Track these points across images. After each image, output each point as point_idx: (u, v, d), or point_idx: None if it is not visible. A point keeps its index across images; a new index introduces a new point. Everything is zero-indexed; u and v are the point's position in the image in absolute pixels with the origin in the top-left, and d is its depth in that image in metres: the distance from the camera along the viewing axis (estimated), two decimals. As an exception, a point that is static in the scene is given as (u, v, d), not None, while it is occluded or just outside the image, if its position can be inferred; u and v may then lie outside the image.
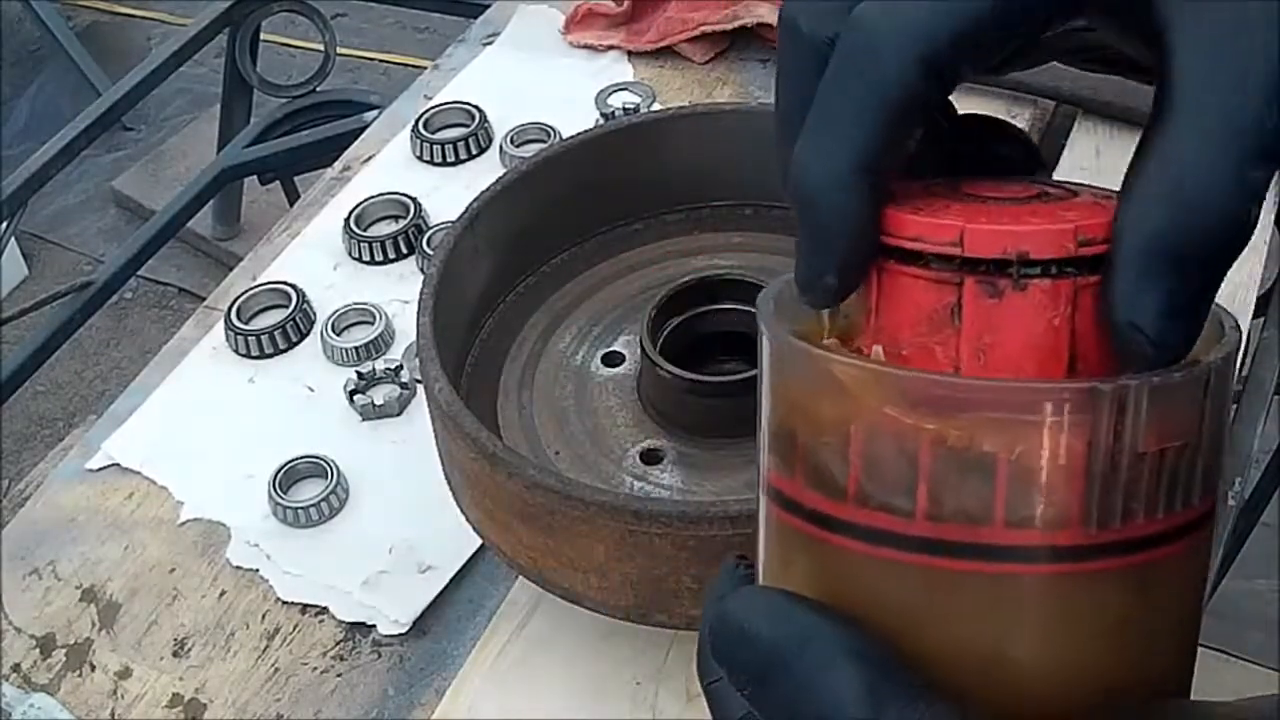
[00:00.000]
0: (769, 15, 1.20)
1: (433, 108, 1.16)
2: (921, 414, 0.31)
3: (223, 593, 0.86)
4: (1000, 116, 0.41)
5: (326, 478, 0.89)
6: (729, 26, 1.20)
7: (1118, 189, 0.34)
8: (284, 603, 0.85)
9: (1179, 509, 0.32)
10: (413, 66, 2.76)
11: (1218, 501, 0.33)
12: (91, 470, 0.93)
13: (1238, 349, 0.34)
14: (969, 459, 0.30)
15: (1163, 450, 0.31)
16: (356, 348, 0.97)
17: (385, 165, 1.14)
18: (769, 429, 0.35)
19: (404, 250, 1.05)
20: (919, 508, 0.31)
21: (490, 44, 1.26)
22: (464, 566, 0.85)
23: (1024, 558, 0.31)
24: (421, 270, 1.03)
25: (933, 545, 0.31)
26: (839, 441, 0.32)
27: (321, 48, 1.73)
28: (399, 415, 0.94)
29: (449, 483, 0.75)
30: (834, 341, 0.34)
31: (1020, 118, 1.09)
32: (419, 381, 0.88)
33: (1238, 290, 0.96)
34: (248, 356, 0.99)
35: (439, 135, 1.14)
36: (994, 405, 0.30)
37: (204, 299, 1.06)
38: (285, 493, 0.89)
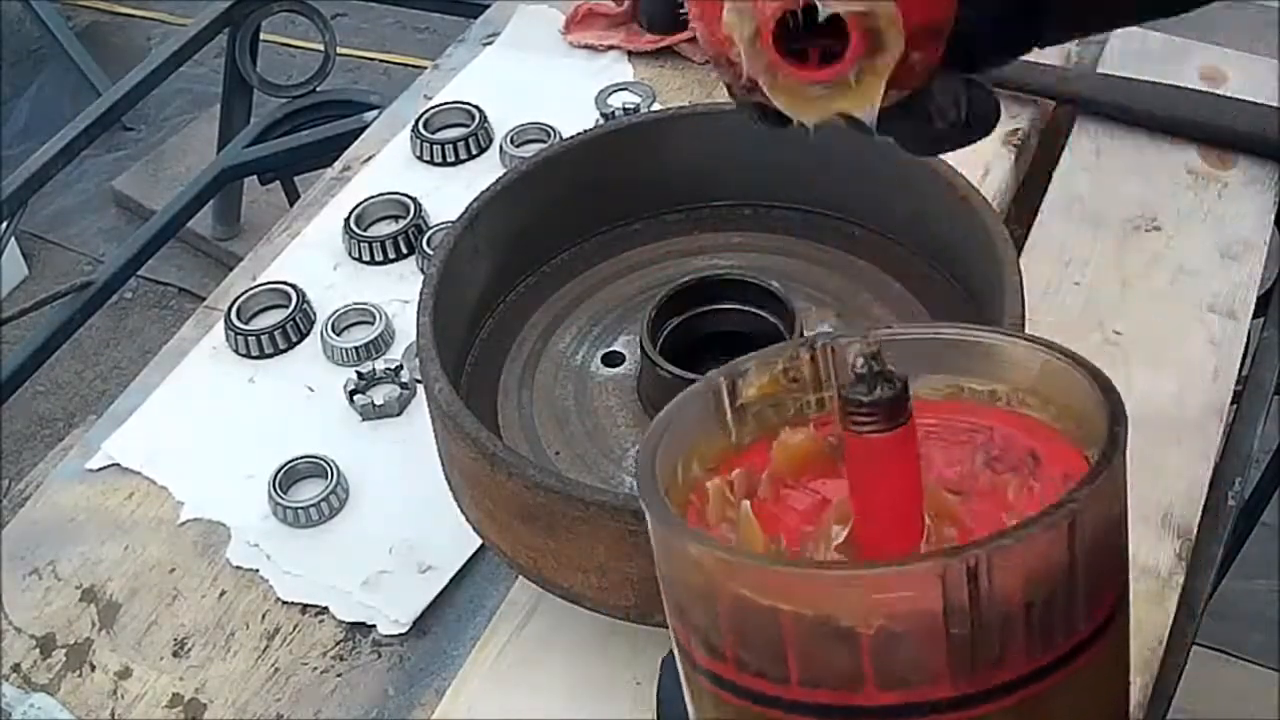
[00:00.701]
0: (769, 15, 1.19)
1: (433, 108, 1.16)
2: (777, 596, 0.32)
3: (223, 593, 0.86)
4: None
5: (326, 478, 0.89)
6: (729, 26, 1.20)
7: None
8: (284, 603, 0.85)
9: (1060, 641, 0.33)
10: (413, 66, 2.76)
11: (1120, 597, 0.35)
12: (91, 470, 0.93)
13: (1119, 450, 0.36)
14: (830, 633, 0.32)
15: (1028, 602, 0.32)
16: (356, 348, 0.97)
17: (385, 165, 1.14)
18: (662, 581, 0.37)
19: (404, 250, 1.05)
20: (791, 675, 0.33)
21: (490, 44, 1.26)
22: (464, 566, 0.85)
23: (901, 714, 0.32)
24: (421, 270, 1.03)
25: (810, 708, 0.33)
26: (710, 613, 0.34)
27: (321, 48, 1.73)
28: (399, 415, 0.94)
29: (449, 483, 0.75)
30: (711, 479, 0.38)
31: (1020, 117, 1.09)
32: (419, 381, 0.88)
33: (1238, 290, 0.96)
34: (248, 356, 0.99)
35: (439, 135, 1.14)
36: (845, 586, 0.32)
37: (204, 299, 1.06)
38: (285, 493, 0.89)
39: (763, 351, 0.40)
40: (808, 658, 0.32)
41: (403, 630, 0.82)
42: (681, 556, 0.35)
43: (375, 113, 1.36)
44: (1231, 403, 0.91)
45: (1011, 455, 0.37)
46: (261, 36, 1.86)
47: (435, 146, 1.13)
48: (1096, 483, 0.34)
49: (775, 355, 0.39)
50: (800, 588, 0.32)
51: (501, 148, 1.13)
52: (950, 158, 0.81)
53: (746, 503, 0.36)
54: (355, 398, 0.94)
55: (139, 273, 1.86)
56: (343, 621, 0.83)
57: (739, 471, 0.39)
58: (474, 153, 1.14)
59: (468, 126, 1.14)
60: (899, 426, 0.35)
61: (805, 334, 0.37)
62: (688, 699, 0.38)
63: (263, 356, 0.99)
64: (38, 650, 0.84)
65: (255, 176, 1.92)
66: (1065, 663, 0.33)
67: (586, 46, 1.23)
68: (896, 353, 0.38)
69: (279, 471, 0.89)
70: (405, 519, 0.87)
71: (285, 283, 1.02)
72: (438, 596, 0.84)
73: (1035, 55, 1.23)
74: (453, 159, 1.13)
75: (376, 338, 0.98)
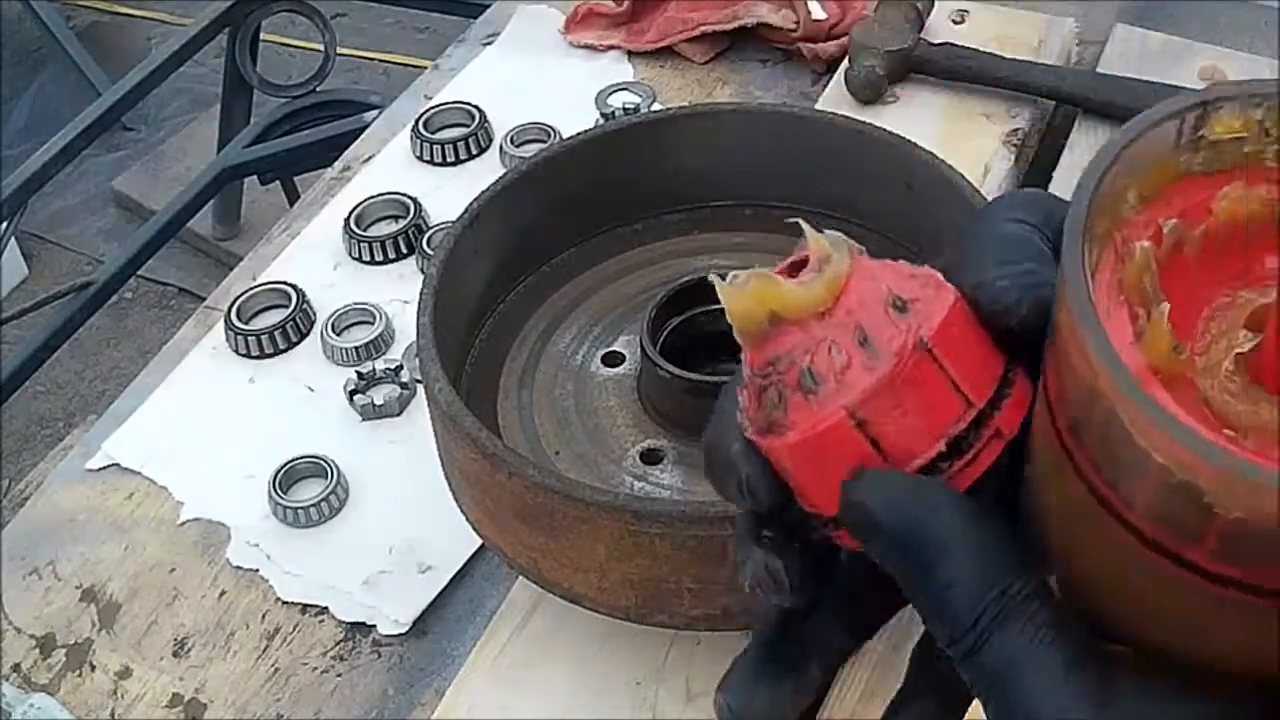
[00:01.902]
0: (769, 15, 1.20)
1: (433, 108, 1.16)
2: (1144, 437, 0.31)
3: (223, 593, 0.86)
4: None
5: (326, 478, 0.89)
6: (729, 26, 1.20)
7: None
8: (284, 603, 0.85)
9: None
10: (413, 66, 2.76)
11: None
12: (91, 470, 0.93)
13: None
14: (1185, 495, 0.30)
15: None
16: (356, 348, 0.97)
17: (385, 165, 1.14)
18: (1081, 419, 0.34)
19: (404, 250, 1.05)
20: (1136, 501, 0.32)
21: (490, 44, 1.26)
22: (464, 566, 0.85)
23: (1229, 585, 0.31)
24: (421, 270, 1.03)
25: (1146, 539, 0.32)
26: (1078, 392, 0.32)
27: (321, 48, 1.74)
28: (399, 415, 0.94)
29: (449, 483, 0.75)
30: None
31: (1020, 117, 1.09)
32: (419, 381, 0.88)
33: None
34: (248, 356, 0.99)
35: (439, 135, 1.14)
36: (1209, 472, 0.30)
37: (204, 299, 1.06)
38: (285, 493, 0.89)
39: (1237, 89, 0.35)
40: (1160, 502, 0.31)
41: (403, 630, 0.82)
42: (1077, 350, 0.32)
43: (375, 113, 1.36)
44: None
45: None
46: (261, 36, 1.86)
47: (435, 146, 1.13)
48: None
49: (1254, 99, 0.34)
50: (1172, 447, 0.30)
51: (501, 148, 1.13)
52: (951, 158, 0.81)
53: (1165, 306, 0.32)
54: (355, 398, 0.94)
55: (139, 273, 1.86)
56: (343, 621, 0.83)
57: (1172, 223, 0.34)
58: (474, 153, 1.14)
59: (468, 126, 1.14)
60: None
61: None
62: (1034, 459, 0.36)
63: (263, 356, 0.99)
64: (38, 650, 0.84)
65: (255, 176, 1.92)
66: None
67: (586, 46, 1.23)
68: None
69: (279, 471, 0.89)
70: (405, 519, 0.87)
71: (285, 283, 1.02)
72: (438, 596, 0.84)
73: (1035, 55, 1.23)
74: (453, 159, 1.13)
75: (376, 338, 0.98)
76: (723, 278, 0.37)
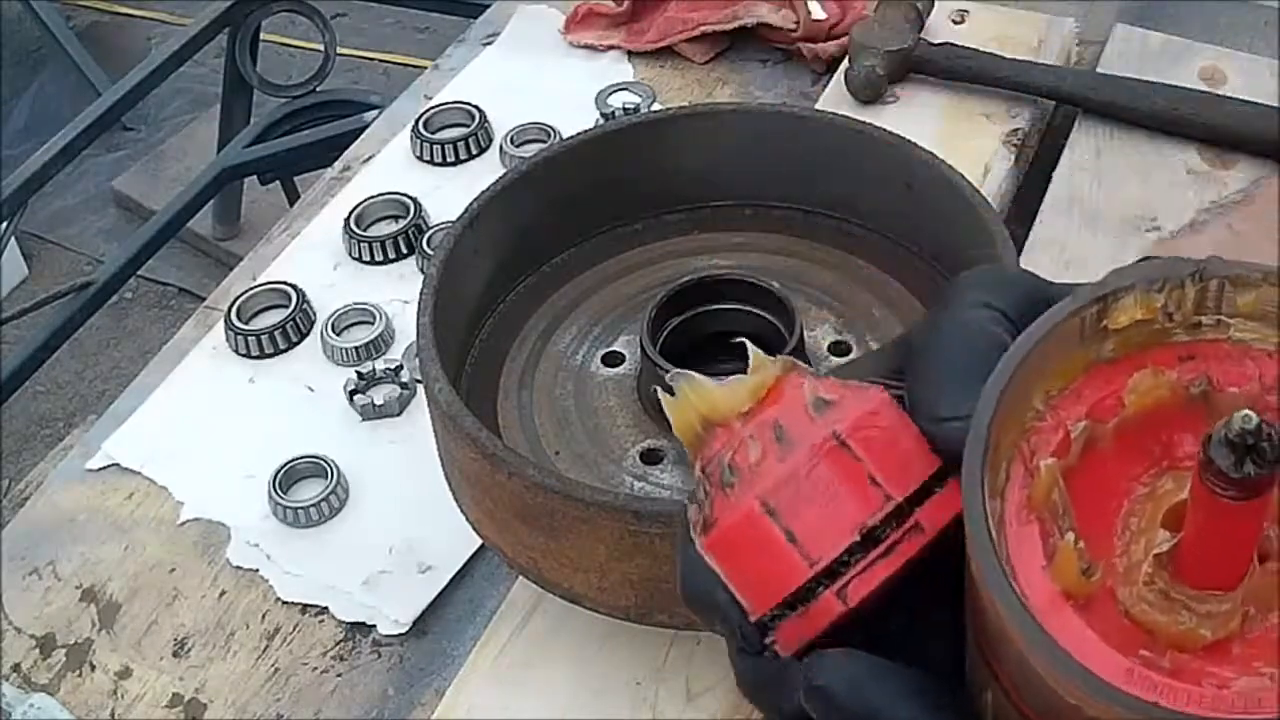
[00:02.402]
0: (769, 15, 1.20)
1: (433, 108, 1.16)
2: (1077, 699, 0.31)
3: (223, 593, 0.86)
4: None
5: (326, 478, 0.89)
6: (729, 26, 1.20)
7: None
8: (284, 603, 0.85)
9: None
10: (413, 66, 2.76)
11: None
12: (91, 470, 0.93)
13: None
14: None
15: None
16: (356, 348, 0.97)
17: (385, 165, 1.14)
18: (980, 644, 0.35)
19: (404, 250, 1.05)
20: None
21: (490, 44, 1.26)
22: (464, 566, 0.85)
23: None
24: (421, 270, 1.03)
25: None
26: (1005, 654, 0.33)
27: (321, 48, 1.74)
28: (399, 415, 0.94)
29: (449, 483, 0.75)
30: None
31: (1020, 117, 1.09)
32: (419, 381, 0.88)
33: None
34: (248, 356, 0.99)
35: (439, 135, 1.14)
36: None
37: (204, 299, 1.06)
38: (285, 493, 0.89)
39: (1136, 276, 0.35)
40: None
41: (403, 630, 0.82)
42: (982, 585, 0.33)
43: (375, 113, 1.37)
44: (1231, 403, 0.91)
45: None
46: (261, 36, 1.86)
47: (435, 146, 1.13)
48: None
49: (1154, 286, 0.34)
50: (1078, 692, 0.31)
51: (501, 148, 1.13)
52: (951, 158, 0.81)
53: (1071, 535, 0.33)
54: (355, 398, 0.94)
55: (139, 273, 1.86)
56: (343, 621, 0.83)
57: (1081, 425, 0.35)
58: (474, 153, 1.13)
59: (468, 126, 1.14)
60: (1256, 498, 0.31)
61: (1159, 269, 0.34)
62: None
63: (263, 356, 0.99)
64: (38, 650, 0.84)
65: (255, 176, 1.92)
66: None
67: (586, 46, 1.23)
68: None
69: (279, 471, 0.89)
70: (405, 519, 0.87)
71: (285, 283, 1.02)
72: (438, 596, 0.84)
73: (1035, 55, 1.23)
74: (453, 159, 1.13)
75: (376, 338, 0.98)
76: (671, 392, 0.39)
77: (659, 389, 0.39)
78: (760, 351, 0.39)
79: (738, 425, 0.38)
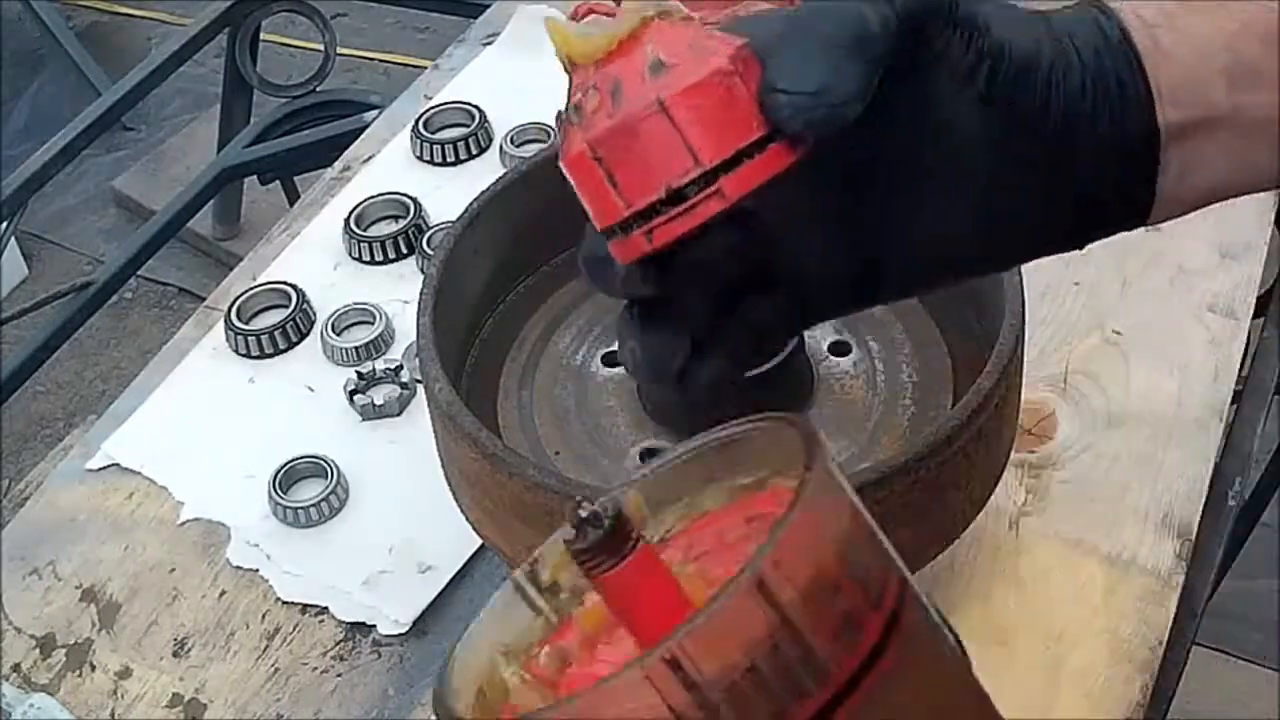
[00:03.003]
0: (769, 15, 1.19)
1: (433, 108, 1.16)
2: None
3: (223, 593, 0.86)
4: None
5: (326, 478, 0.89)
6: (729, 26, 1.20)
7: None
8: (284, 603, 0.85)
9: (801, 699, 0.33)
10: (413, 66, 2.76)
11: (889, 624, 0.35)
12: (91, 470, 0.93)
13: (808, 492, 0.35)
14: None
15: (749, 667, 0.32)
16: (356, 348, 0.97)
17: (385, 165, 1.14)
18: None
19: (404, 250, 1.05)
20: None
21: (490, 44, 1.26)
22: (464, 566, 0.85)
23: None
24: (421, 270, 1.03)
25: None
26: None
27: (321, 48, 1.73)
28: (399, 415, 0.94)
29: (449, 483, 0.75)
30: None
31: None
32: (419, 381, 0.88)
33: (1237, 290, 0.96)
34: (248, 356, 0.99)
35: (439, 135, 1.14)
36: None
37: (204, 299, 1.06)
38: (285, 493, 0.89)
39: (560, 533, 0.41)
40: None
41: (403, 630, 0.82)
42: None
43: (375, 113, 1.36)
44: (1231, 403, 0.91)
45: None
46: (261, 36, 1.86)
47: (435, 146, 1.13)
48: (778, 536, 0.33)
49: (562, 532, 0.40)
50: None
51: (501, 148, 1.13)
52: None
53: (513, 676, 0.39)
54: (355, 398, 0.94)
55: (139, 273, 1.86)
56: (343, 621, 0.83)
57: (546, 650, 0.40)
58: (474, 153, 1.13)
59: (468, 126, 1.14)
60: (627, 557, 0.36)
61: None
62: None
63: (263, 356, 0.99)
64: (38, 650, 0.84)
65: (255, 176, 1.92)
66: (827, 712, 0.33)
67: (586, 46, 1.23)
68: (671, 481, 0.41)
69: (279, 471, 0.89)
70: (405, 519, 0.87)
71: (285, 283, 1.02)
72: (438, 596, 0.84)
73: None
74: (453, 159, 1.13)
75: (376, 338, 0.98)
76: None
77: (547, 22, 0.45)
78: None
79: (590, 71, 0.43)
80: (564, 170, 0.45)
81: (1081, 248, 0.51)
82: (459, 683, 0.39)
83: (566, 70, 0.44)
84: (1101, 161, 0.47)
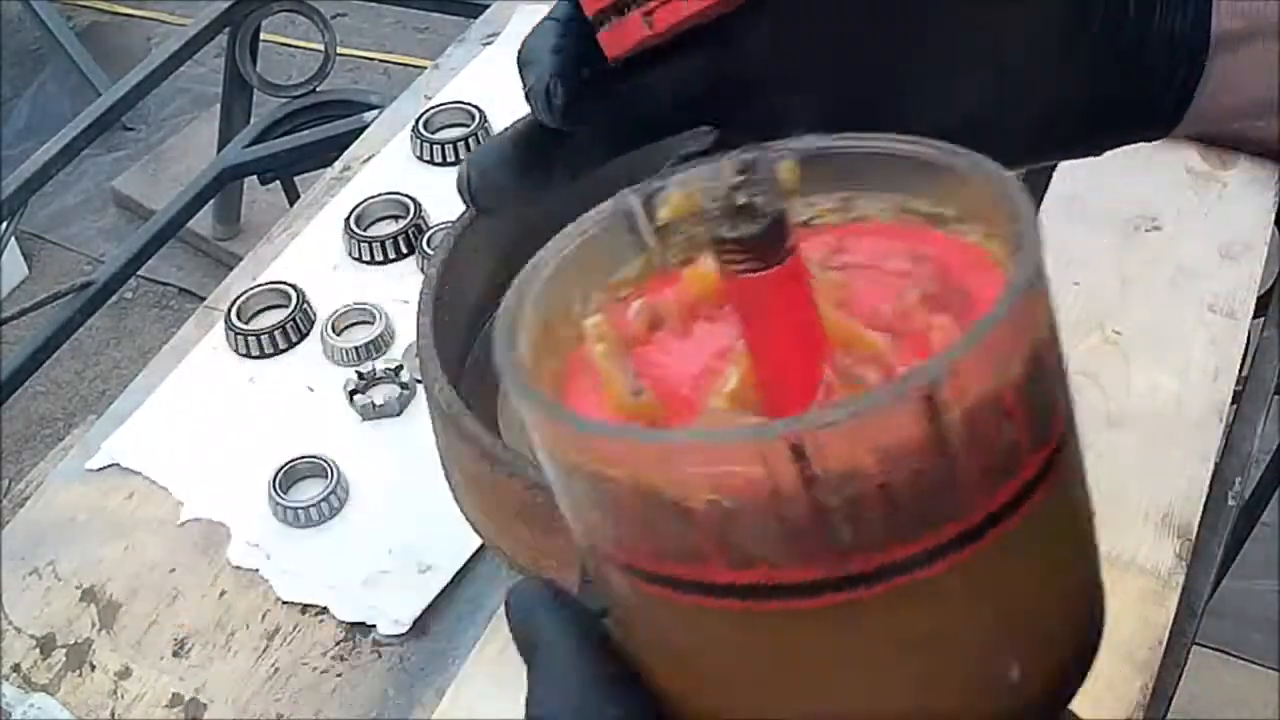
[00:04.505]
0: (769, 15, 1.20)
1: (433, 108, 1.16)
2: (593, 459, 0.30)
3: (223, 593, 0.86)
4: None
5: (326, 478, 0.89)
6: (729, 26, 1.20)
7: None
8: (284, 603, 0.85)
9: (927, 530, 0.28)
10: (413, 66, 2.76)
11: (1048, 466, 0.29)
12: (91, 470, 0.93)
13: (1020, 293, 0.30)
14: (658, 503, 0.28)
15: (883, 483, 0.27)
16: (356, 348, 0.97)
17: (385, 165, 1.14)
18: None
19: (404, 250, 1.05)
20: (639, 545, 0.30)
21: (490, 44, 1.26)
22: (464, 566, 0.85)
23: (752, 595, 0.29)
24: (421, 270, 1.03)
25: (663, 580, 0.30)
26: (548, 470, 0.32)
27: (321, 48, 1.73)
28: (399, 415, 0.94)
29: (449, 483, 0.75)
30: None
31: (1020, 118, 1.09)
32: (419, 381, 0.88)
33: (1238, 290, 0.96)
34: (248, 356, 0.99)
35: (439, 135, 1.14)
36: (657, 454, 0.29)
37: (204, 299, 1.06)
38: (285, 493, 0.89)
39: (689, 169, 0.35)
40: (648, 528, 0.29)
41: (403, 630, 0.82)
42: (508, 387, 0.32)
43: (375, 113, 1.36)
44: (1231, 403, 0.91)
45: (947, 292, 0.32)
46: (261, 36, 1.86)
47: (435, 146, 1.13)
48: (971, 348, 0.27)
49: (697, 174, 0.34)
50: (610, 450, 0.29)
51: (501, 148, 1.13)
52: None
53: (600, 347, 0.32)
54: (355, 398, 0.94)
55: (139, 273, 1.86)
56: (343, 621, 0.83)
57: (638, 302, 0.35)
58: (474, 153, 1.13)
59: (468, 126, 1.14)
60: (775, 267, 0.30)
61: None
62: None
63: (263, 356, 0.99)
64: (38, 650, 0.84)
65: (255, 176, 1.92)
66: (948, 550, 0.28)
67: (586, 46, 1.23)
68: (836, 167, 0.34)
69: (279, 471, 0.89)
70: (405, 519, 0.87)
71: (285, 283, 1.02)
72: (438, 596, 0.84)
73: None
74: (453, 159, 1.13)
75: (376, 338, 0.98)
76: None
77: None
78: None
79: None
80: None
81: (1099, 154, 0.48)
82: (528, 313, 0.33)
83: None
84: (1148, 60, 0.44)
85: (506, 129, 0.48)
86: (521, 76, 0.43)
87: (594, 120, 0.44)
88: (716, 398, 0.31)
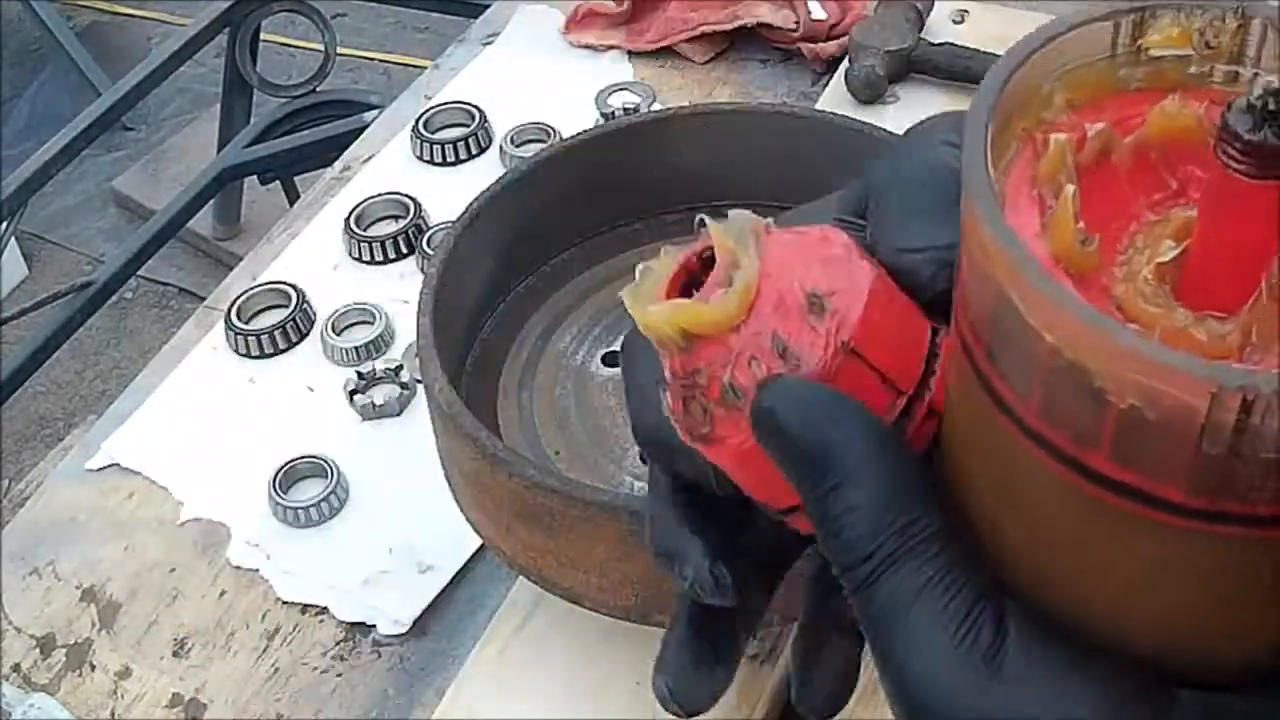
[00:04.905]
0: (769, 15, 1.20)
1: (433, 108, 1.16)
2: (1038, 318, 0.29)
3: (223, 593, 0.86)
4: None
5: (326, 478, 0.89)
6: (729, 26, 1.20)
7: None
8: (284, 603, 0.85)
9: None
10: (413, 66, 2.76)
11: None
12: (92, 470, 0.93)
13: None
14: (1080, 382, 0.28)
15: None
16: (356, 348, 0.97)
17: (385, 165, 1.14)
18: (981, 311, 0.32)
19: (404, 250, 1.05)
20: (1033, 399, 0.30)
21: (490, 44, 1.26)
22: (464, 566, 0.85)
23: (1123, 492, 0.29)
24: (421, 270, 1.03)
25: (1043, 441, 0.30)
26: (980, 298, 0.31)
27: (321, 48, 1.74)
28: (399, 415, 0.94)
29: (449, 483, 0.75)
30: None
31: (1020, 118, 1.09)
32: (419, 381, 0.88)
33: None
34: (248, 356, 0.99)
35: (439, 135, 1.14)
36: (1106, 348, 0.28)
37: (204, 299, 1.06)
38: (285, 493, 0.89)
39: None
40: (1053, 393, 0.29)
41: (403, 630, 0.82)
42: (972, 229, 0.30)
43: (375, 113, 1.37)
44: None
45: None
46: (261, 36, 1.86)
47: (435, 146, 1.13)
48: None
49: (1195, 8, 0.33)
50: (1060, 319, 0.28)
51: (501, 148, 1.13)
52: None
53: (1071, 188, 0.31)
54: (355, 398, 0.94)
55: (139, 273, 1.86)
56: (343, 621, 0.83)
57: (1099, 127, 0.33)
58: (474, 153, 1.14)
59: (468, 126, 1.14)
60: (1270, 179, 0.29)
61: None
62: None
63: (263, 356, 0.99)
64: (38, 650, 0.84)
65: (255, 176, 1.92)
66: None
67: (586, 46, 1.23)
68: None
69: (279, 471, 0.89)
70: (405, 519, 0.87)
71: (285, 283, 1.02)
72: (438, 596, 0.84)
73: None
74: (453, 159, 1.13)
75: (376, 338, 0.98)
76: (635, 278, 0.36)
77: (623, 292, 0.36)
78: (720, 227, 0.36)
79: (732, 338, 0.35)
80: (722, 464, 0.36)
81: None
82: (996, 105, 0.31)
83: (677, 349, 0.36)
84: None
85: (670, 631, 0.41)
86: (666, 568, 0.40)
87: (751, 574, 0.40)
88: (1146, 267, 0.31)
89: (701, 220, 0.37)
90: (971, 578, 0.31)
